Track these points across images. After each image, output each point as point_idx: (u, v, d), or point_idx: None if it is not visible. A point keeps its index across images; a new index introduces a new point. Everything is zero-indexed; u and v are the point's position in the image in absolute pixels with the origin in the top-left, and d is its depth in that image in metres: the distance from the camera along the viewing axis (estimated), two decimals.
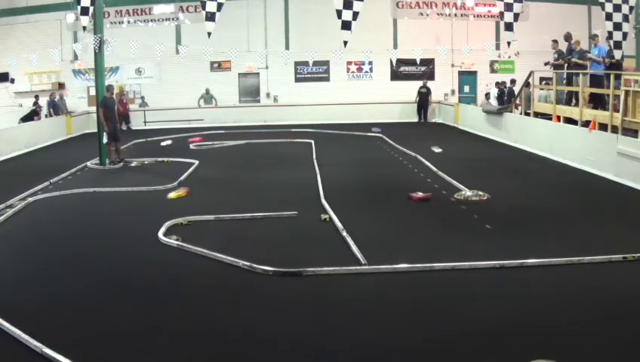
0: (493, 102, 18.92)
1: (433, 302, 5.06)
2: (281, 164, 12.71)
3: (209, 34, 12.60)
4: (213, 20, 12.50)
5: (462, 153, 13.90)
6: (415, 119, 21.98)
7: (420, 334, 4.43)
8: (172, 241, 6.80)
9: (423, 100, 21.88)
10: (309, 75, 23.05)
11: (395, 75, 23.06)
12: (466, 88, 23.04)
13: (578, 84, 12.80)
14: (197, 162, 12.61)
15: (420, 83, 22.04)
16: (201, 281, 5.68)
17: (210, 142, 16.34)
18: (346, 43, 12.21)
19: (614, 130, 10.86)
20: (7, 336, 4.39)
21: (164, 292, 5.39)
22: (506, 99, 17.74)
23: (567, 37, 13.93)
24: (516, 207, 8.44)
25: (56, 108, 20.47)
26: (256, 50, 19.53)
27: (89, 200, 9.50)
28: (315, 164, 12.08)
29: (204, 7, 12.51)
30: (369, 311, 4.87)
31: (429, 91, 21.92)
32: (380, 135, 17.03)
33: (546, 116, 14.18)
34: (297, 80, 23.15)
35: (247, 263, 5.88)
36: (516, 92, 17.13)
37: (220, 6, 12.43)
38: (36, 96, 21.54)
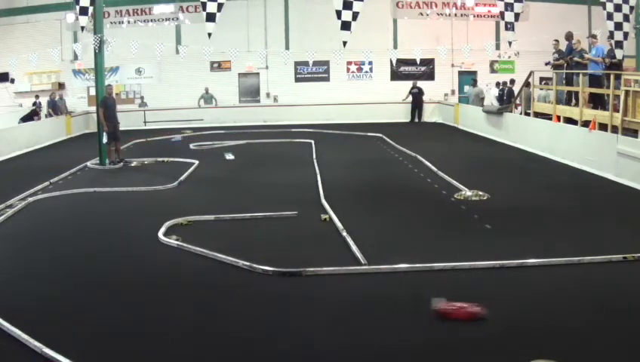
0: (494, 102, 18.93)
1: None
2: (281, 164, 12.71)
3: (209, 34, 12.63)
4: (214, 21, 12.53)
5: (462, 153, 13.91)
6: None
7: (420, 334, 4.43)
8: (172, 241, 6.80)
9: (417, 101, 21.89)
10: (309, 75, 23.05)
11: (395, 75, 23.05)
12: (466, 88, 23.03)
13: (578, 84, 12.80)
14: (197, 162, 12.61)
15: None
16: (201, 281, 5.68)
17: (210, 142, 16.35)
18: (345, 43, 12.24)
19: (614, 130, 10.86)
20: (7, 336, 4.39)
21: (164, 292, 5.39)
22: (506, 99, 17.75)
23: (568, 36, 13.94)
24: (516, 207, 8.44)
25: (56, 108, 20.47)
26: (256, 50, 19.53)
27: (89, 200, 9.50)
28: (315, 164, 12.09)
29: (204, 8, 12.53)
30: (369, 311, 4.87)
31: (421, 91, 21.91)
32: (380, 135, 17.03)
33: (546, 116, 14.18)
34: (297, 80, 23.15)
35: (247, 263, 5.88)
36: (516, 92, 17.13)
37: (220, 6, 12.46)
38: (37, 96, 21.56)
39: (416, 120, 21.89)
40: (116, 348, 4.28)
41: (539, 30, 18.66)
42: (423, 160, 12.33)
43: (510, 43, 14.24)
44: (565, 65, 13.73)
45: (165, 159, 13.42)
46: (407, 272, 5.74)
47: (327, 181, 10.21)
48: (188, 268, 6.05)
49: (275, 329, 4.55)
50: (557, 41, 14.46)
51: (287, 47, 22.24)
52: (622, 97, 10.73)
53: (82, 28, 13.21)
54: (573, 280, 5.49)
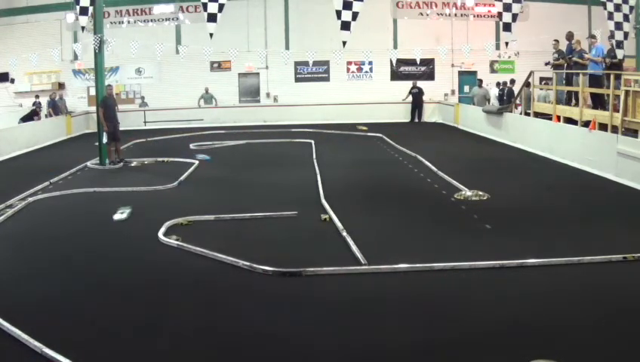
0: (494, 102, 18.92)
1: (433, 302, 5.06)
2: (281, 164, 12.71)
3: (211, 35, 12.63)
4: (215, 21, 12.53)
5: (462, 153, 13.90)
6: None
7: (420, 334, 4.43)
8: (172, 241, 6.79)
9: (417, 101, 21.90)
10: (309, 75, 23.05)
11: (395, 75, 23.05)
12: (466, 88, 23.04)
13: (578, 84, 12.80)
14: (197, 162, 12.61)
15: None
16: (201, 281, 5.68)
17: (210, 142, 16.36)
18: (344, 43, 12.24)
19: (614, 130, 10.86)
20: (7, 336, 4.39)
21: (164, 293, 5.39)
22: (506, 99, 17.76)
23: (569, 36, 13.94)
24: (516, 207, 8.44)
25: (56, 108, 20.47)
26: (256, 50, 19.54)
27: (89, 200, 9.50)
28: (315, 164, 12.09)
29: (205, 9, 12.53)
30: (369, 311, 4.87)
31: (421, 91, 21.93)
32: (380, 135, 17.02)
33: (546, 116, 14.18)
34: (297, 80, 23.15)
35: (247, 263, 5.88)
36: (516, 92, 17.14)
37: (221, 7, 12.45)
38: (37, 96, 21.57)
39: (417, 120, 21.90)
40: (116, 348, 4.28)
41: (539, 30, 18.66)
42: (423, 160, 12.33)
43: (507, 43, 14.23)
44: (565, 65, 13.73)
45: (165, 159, 13.42)
46: (407, 272, 5.74)
47: (327, 181, 10.21)
48: (188, 268, 6.05)
49: (275, 329, 4.55)
50: (557, 41, 14.47)
51: (287, 47, 22.23)
52: (622, 97, 10.73)
53: (82, 28, 13.20)
54: (573, 280, 5.49)
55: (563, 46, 14.22)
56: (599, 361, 3.99)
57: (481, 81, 20.64)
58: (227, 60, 22.32)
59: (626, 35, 13.65)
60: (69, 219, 8.28)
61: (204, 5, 12.53)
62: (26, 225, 7.90)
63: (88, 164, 12.79)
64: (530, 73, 15.00)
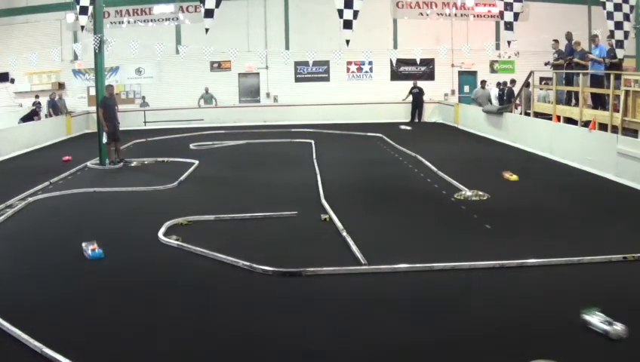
0: (494, 102, 18.93)
1: (433, 302, 5.06)
2: (281, 163, 12.71)
3: (207, 30, 12.61)
4: (212, 17, 12.51)
5: (462, 153, 13.90)
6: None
7: (420, 334, 4.43)
8: (172, 241, 6.79)
9: (417, 101, 21.91)
10: (309, 75, 23.05)
11: (395, 75, 23.06)
12: (466, 88, 23.05)
13: (578, 84, 12.80)
14: (197, 162, 12.61)
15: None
16: (201, 281, 5.67)
17: (211, 142, 16.36)
18: (348, 42, 12.26)
19: (614, 130, 10.86)
20: (7, 336, 4.39)
21: (164, 292, 5.39)
22: (506, 99, 17.76)
23: (569, 36, 13.94)
24: (516, 207, 8.44)
25: (56, 108, 20.47)
26: (256, 50, 19.54)
27: (89, 200, 9.50)
28: (315, 164, 12.08)
29: (202, 3, 12.52)
30: (369, 311, 4.87)
31: (421, 91, 21.94)
32: (380, 135, 17.02)
33: (546, 116, 14.19)
34: (297, 80, 23.16)
35: (247, 263, 5.88)
36: (516, 92, 17.14)
37: (218, 2, 12.43)
38: (37, 96, 21.58)
39: (417, 120, 21.91)
40: (116, 348, 4.28)
41: (539, 30, 18.67)
42: (423, 160, 12.33)
43: (509, 43, 14.23)
44: (565, 65, 13.73)
45: (165, 159, 13.42)
46: (407, 272, 5.74)
47: (327, 181, 10.21)
48: (188, 268, 6.05)
49: (275, 329, 4.55)
50: (556, 41, 14.47)
51: (287, 47, 22.23)
52: (622, 97, 10.74)
53: (82, 28, 13.24)
54: (573, 280, 5.49)
55: (563, 46, 14.22)
56: (599, 361, 3.99)
57: (484, 82, 20.59)
58: (227, 60, 22.31)
59: (626, 34, 13.66)
60: (69, 219, 8.28)
61: (203, 1, 12.52)
62: (26, 225, 7.90)
63: (88, 164, 12.79)
64: (530, 73, 15.00)
